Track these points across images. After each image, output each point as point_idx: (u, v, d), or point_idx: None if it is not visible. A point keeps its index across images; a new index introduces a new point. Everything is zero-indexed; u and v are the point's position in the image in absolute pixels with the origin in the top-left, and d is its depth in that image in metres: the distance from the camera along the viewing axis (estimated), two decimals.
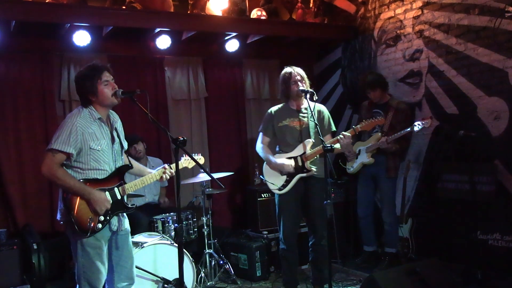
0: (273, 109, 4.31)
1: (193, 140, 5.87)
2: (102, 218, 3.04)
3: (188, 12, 5.25)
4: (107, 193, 3.09)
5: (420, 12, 5.13)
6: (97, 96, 3.08)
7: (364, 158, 4.91)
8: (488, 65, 4.52)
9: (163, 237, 4.20)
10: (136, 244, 4.01)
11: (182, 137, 2.90)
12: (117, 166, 3.20)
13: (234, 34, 5.48)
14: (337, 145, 4.04)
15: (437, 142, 5.03)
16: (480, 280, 4.21)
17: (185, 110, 5.91)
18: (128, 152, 4.92)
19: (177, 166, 2.97)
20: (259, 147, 4.30)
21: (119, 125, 3.32)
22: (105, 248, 3.13)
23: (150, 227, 4.55)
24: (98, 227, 3.03)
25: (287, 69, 4.17)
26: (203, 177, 4.62)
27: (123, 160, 3.31)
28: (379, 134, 4.80)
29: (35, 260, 4.29)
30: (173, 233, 4.40)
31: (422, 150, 5.18)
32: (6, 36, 4.65)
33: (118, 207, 3.15)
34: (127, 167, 3.27)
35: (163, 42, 5.17)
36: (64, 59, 5.13)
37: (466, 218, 4.64)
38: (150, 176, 3.37)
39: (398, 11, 5.38)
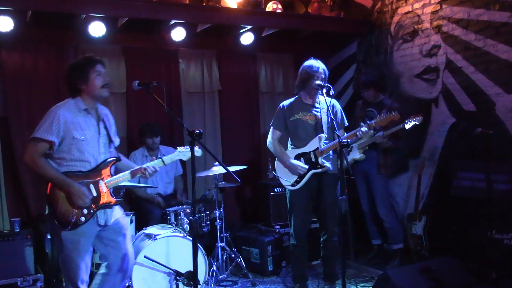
0: (285, 103, 4.26)
1: (206, 133, 5.86)
2: (85, 211, 3.01)
3: (204, 4, 5.22)
4: (91, 186, 3.05)
5: (438, 7, 5.05)
6: (87, 85, 3.08)
7: (356, 154, 4.86)
8: (507, 62, 4.44)
9: (176, 229, 4.20)
10: (149, 236, 4.04)
11: (198, 130, 2.88)
12: (103, 159, 3.15)
13: (249, 27, 5.44)
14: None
15: (453, 139, 4.97)
16: (494, 279, 4.16)
17: (198, 103, 5.90)
18: (145, 142, 4.95)
19: (193, 158, 2.90)
20: (270, 142, 4.25)
21: (111, 121, 3.31)
22: (87, 244, 3.07)
23: (163, 220, 4.56)
24: (81, 220, 2.99)
25: (315, 64, 4.07)
26: (216, 170, 4.61)
27: (111, 153, 3.26)
28: (371, 131, 4.77)
29: (48, 250, 4.33)
30: (185, 226, 4.39)
31: (437, 147, 5.11)
32: (22, 26, 4.64)
33: (103, 200, 3.10)
34: (113, 160, 3.21)
35: (178, 34, 5.16)
36: (79, 49, 5.14)
37: (481, 216, 4.57)
38: (129, 171, 3.25)
39: (416, 5, 5.30)
